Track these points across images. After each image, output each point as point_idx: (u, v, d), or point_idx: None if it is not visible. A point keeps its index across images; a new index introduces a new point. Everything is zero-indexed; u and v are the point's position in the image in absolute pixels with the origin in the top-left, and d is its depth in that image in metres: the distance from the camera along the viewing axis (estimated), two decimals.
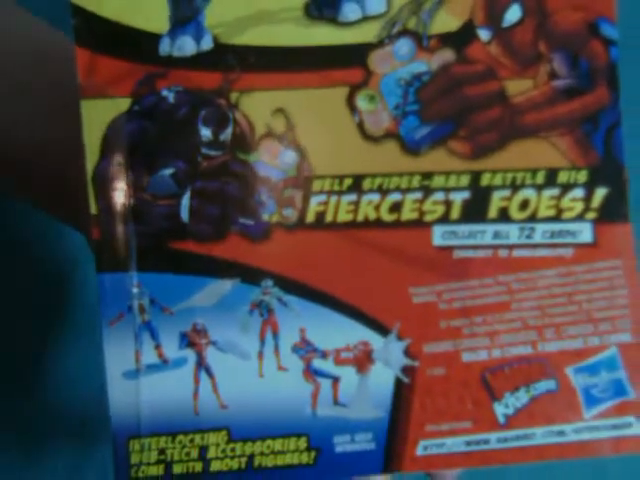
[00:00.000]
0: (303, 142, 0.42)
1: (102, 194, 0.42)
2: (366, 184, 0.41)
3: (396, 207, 0.41)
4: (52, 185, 0.49)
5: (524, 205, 0.41)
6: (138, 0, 0.43)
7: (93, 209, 0.42)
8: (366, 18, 0.42)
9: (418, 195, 0.41)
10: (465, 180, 0.41)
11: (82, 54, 0.43)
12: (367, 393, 0.41)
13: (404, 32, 0.41)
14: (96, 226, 0.41)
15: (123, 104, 0.43)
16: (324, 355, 0.41)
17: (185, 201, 0.42)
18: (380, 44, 0.41)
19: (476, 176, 0.41)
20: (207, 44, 0.42)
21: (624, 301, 0.41)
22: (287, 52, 0.42)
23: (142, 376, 0.41)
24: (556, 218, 0.41)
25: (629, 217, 0.41)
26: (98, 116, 0.42)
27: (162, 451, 0.42)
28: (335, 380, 0.41)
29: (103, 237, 0.42)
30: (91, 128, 0.42)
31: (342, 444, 0.41)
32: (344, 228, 0.41)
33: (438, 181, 0.41)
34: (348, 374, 0.41)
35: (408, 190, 0.41)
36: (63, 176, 0.48)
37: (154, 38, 0.43)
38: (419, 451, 0.41)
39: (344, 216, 0.41)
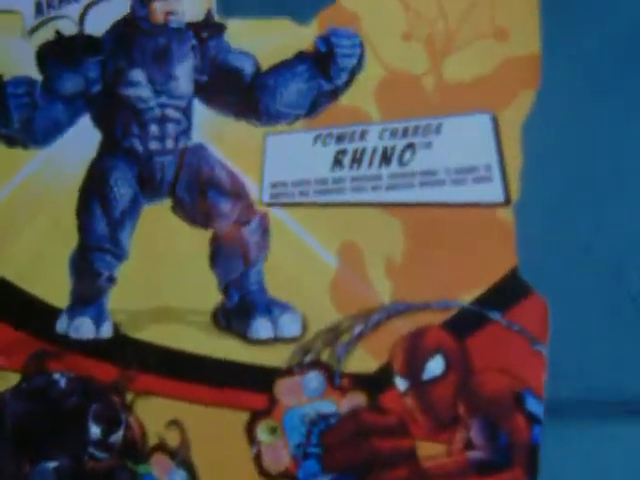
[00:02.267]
0: (196, 462, 0.37)
1: None
2: None
3: None
4: None
5: None
6: (40, 266, 0.38)
7: None
8: (278, 339, 0.37)
9: None
10: None
11: None
12: None
13: (316, 363, 0.37)
14: None
15: (12, 378, 0.39)
16: None
17: None
18: (289, 371, 0.37)
19: None
20: (107, 331, 0.38)
21: None
22: (189, 359, 0.38)
23: None
24: None
25: None
26: None
27: None
28: None
29: None
30: None
31: None
32: None
33: None
34: None
35: None
36: None
37: (52, 312, 0.38)
38: None
39: None
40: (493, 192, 0.36)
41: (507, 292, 0.36)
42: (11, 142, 0.40)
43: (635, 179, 0.39)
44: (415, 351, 0.36)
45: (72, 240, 0.40)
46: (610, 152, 0.37)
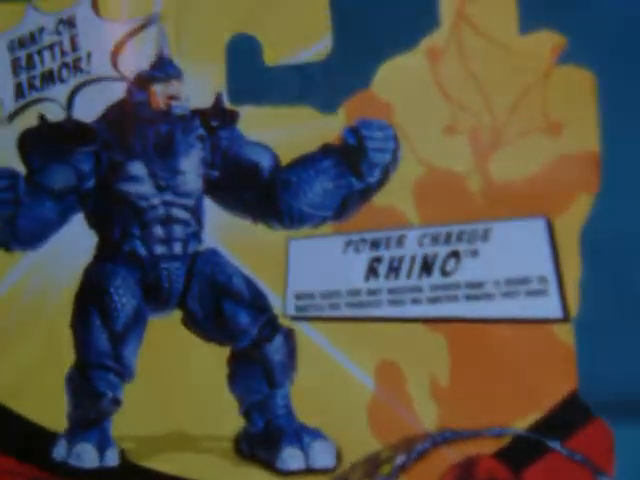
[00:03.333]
0: None
1: None
2: None
3: None
4: None
5: None
6: (32, 384, 0.34)
7: None
8: (310, 471, 0.33)
9: None
10: None
11: None
12: None
13: None
14: None
15: None
16: None
17: None
18: None
19: None
20: (112, 460, 0.34)
21: None
22: None
23: None
24: None
25: None
26: None
27: None
28: None
29: None
30: None
31: None
32: None
33: None
34: None
35: None
36: None
37: (47, 436, 0.34)
38: None
39: None
40: (549, 306, 0.32)
41: (567, 418, 0.33)
42: None
43: None
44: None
45: (68, 356, 0.35)
46: None
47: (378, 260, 0.33)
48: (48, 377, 0.36)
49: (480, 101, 0.33)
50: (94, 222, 0.35)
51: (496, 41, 0.33)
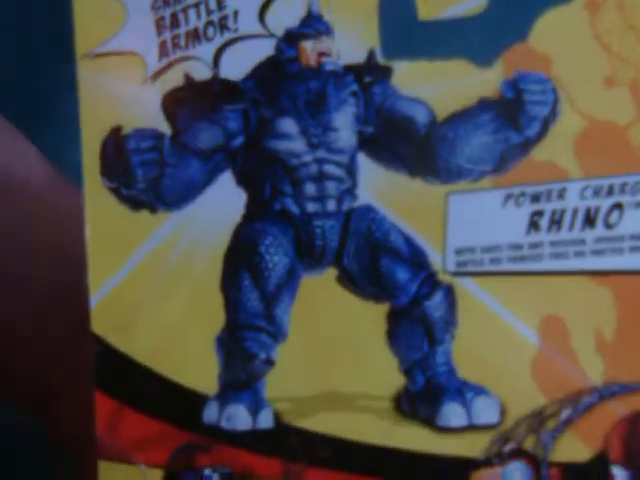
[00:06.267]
0: None
1: None
2: None
3: None
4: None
5: None
6: (180, 347, 0.34)
7: None
8: (472, 427, 0.33)
9: None
10: None
11: (103, 402, 0.34)
12: None
13: (519, 453, 0.33)
14: None
15: (154, 476, 0.34)
16: None
17: None
18: (487, 463, 0.33)
19: None
20: (266, 421, 0.34)
21: None
22: (368, 451, 0.34)
23: None
24: None
25: None
26: None
27: None
28: None
29: None
30: None
31: None
32: None
33: None
34: None
35: None
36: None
37: (197, 399, 0.34)
38: None
39: None
40: None
41: None
42: (136, 205, 0.35)
43: None
44: (635, 437, 0.33)
45: (218, 317, 0.35)
46: None
47: (539, 214, 0.33)
48: (196, 339, 0.36)
49: None
50: (243, 181, 0.35)
51: None
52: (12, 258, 0.45)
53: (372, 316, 0.35)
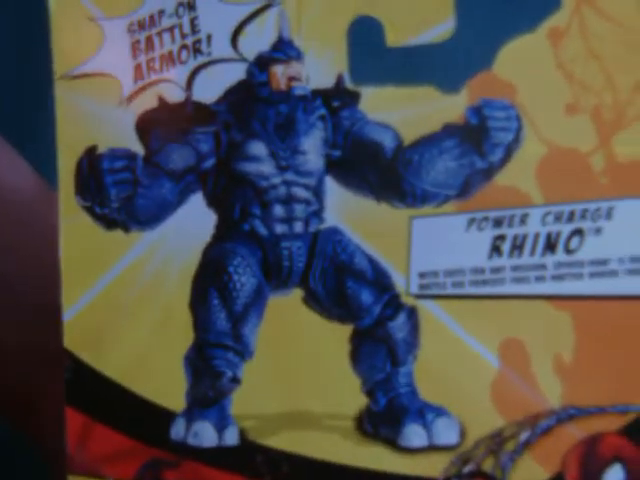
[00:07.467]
0: None
1: None
2: None
3: None
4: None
5: None
6: (150, 364, 0.35)
7: None
8: (433, 448, 0.33)
9: None
10: None
11: (73, 417, 0.35)
12: None
13: (477, 474, 0.34)
14: None
15: None
16: None
17: None
18: None
19: None
20: (232, 438, 0.35)
21: None
22: (331, 469, 0.34)
23: None
24: None
25: None
26: None
27: None
28: None
29: None
30: None
31: None
32: None
33: None
34: None
35: None
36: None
37: (166, 416, 0.35)
38: None
39: None
40: None
41: None
42: (110, 224, 0.36)
43: None
44: (590, 460, 0.34)
45: (186, 335, 0.36)
46: None
47: (501, 238, 0.34)
48: (165, 357, 0.36)
49: (602, 80, 0.34)
50: (213, 202, 0.36)
51: (617, 20, 0.34)
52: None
53: (337, 336, 0.36)
